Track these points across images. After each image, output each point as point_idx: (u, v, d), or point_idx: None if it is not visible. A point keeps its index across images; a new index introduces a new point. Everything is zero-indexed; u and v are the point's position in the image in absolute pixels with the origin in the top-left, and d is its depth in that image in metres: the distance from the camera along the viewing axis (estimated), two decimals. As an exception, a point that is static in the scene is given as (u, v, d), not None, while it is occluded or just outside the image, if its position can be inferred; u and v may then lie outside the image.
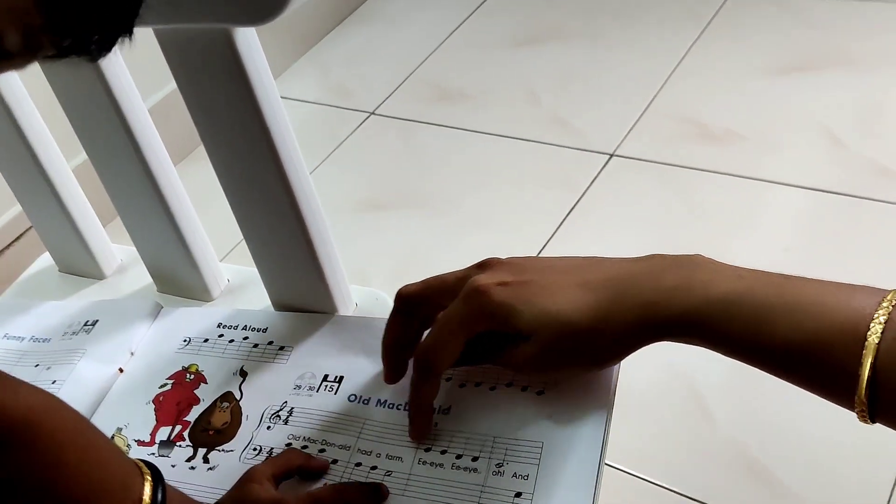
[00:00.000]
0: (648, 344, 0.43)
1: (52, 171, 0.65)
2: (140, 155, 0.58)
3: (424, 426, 0.49)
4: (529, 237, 1.23)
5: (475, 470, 0.48)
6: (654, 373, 1.00)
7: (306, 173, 0.55)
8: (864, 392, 0.37)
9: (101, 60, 0.54)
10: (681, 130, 1.36)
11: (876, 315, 0.37)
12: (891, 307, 0.37)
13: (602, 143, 1.37)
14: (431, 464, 0.49)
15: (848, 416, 0.39)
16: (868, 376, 0.36)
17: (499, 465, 0.48)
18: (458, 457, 0.49)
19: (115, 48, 0.34)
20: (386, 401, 0.53)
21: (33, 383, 0.61)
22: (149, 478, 0.43)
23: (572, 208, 1.27)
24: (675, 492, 0.91)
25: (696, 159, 1.30)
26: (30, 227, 1.31)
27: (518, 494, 0.46)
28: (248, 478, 0.48)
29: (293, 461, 0.49)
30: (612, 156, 1.35)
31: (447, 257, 1.25)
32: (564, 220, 1.26)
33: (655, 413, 0.98)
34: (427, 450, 0.50)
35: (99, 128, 0.58)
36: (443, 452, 0.49)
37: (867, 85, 1.35)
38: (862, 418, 0.38)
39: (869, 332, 0.36)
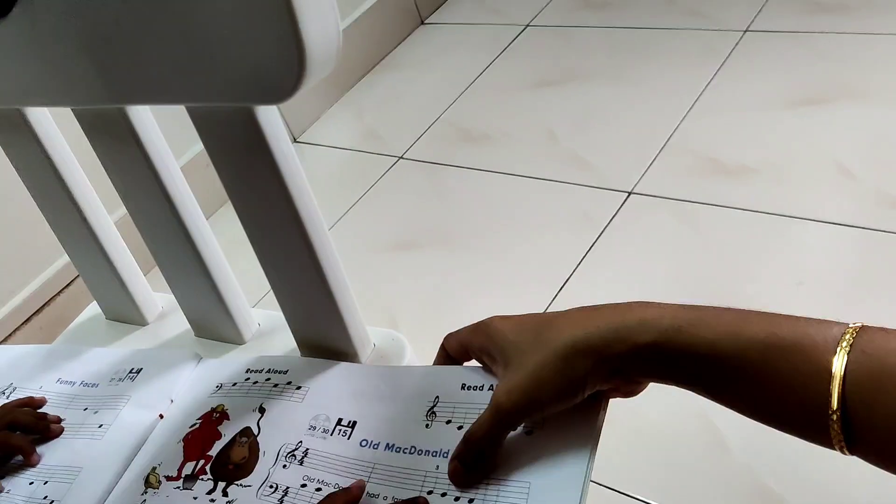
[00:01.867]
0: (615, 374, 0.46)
1: (97, 228, 0.72)
2: (175, 210, 0.64)
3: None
4: (550, 274, 1.28)
5: None
6: (669, 404, 1.03)
7: (325, 229, 0.60)
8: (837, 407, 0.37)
9: (136, 123, 0.60)
10: (698, 167, 1.40)
11: (845, 336, 0.38)
12: (858, 329, 0.39)
13: (620, 181, 1.42)
14: None
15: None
16: (839, 392, 0.37)
17: None
18: (457, 499, 0.51)
19: None
20: (394, 444, 0.56)
21: (82, 426, 0.68)
22: None
23: (592, 245, 1.31)
24: (691, 520, 0.94)
25: (712, 195, 1.34)
26: (77, 276, 1.40)
27: None
28: None
29: (336, 502, 0.52)
30: (630, 193, 1.39)
31: (471, 294, 1.31)
32: (584, 256, 1.30)
33: (670, 443, 1.01)
34: (429, 493, 0.52)
35: (136, 186, 0.64)
36: (443, 495, 0.51)
37: (880, 118, 1.38)
38: (838, 441, 0.39)
39: (838, 349, 0.38)
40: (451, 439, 0.54)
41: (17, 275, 1.37)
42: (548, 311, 1.22)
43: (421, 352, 0.68)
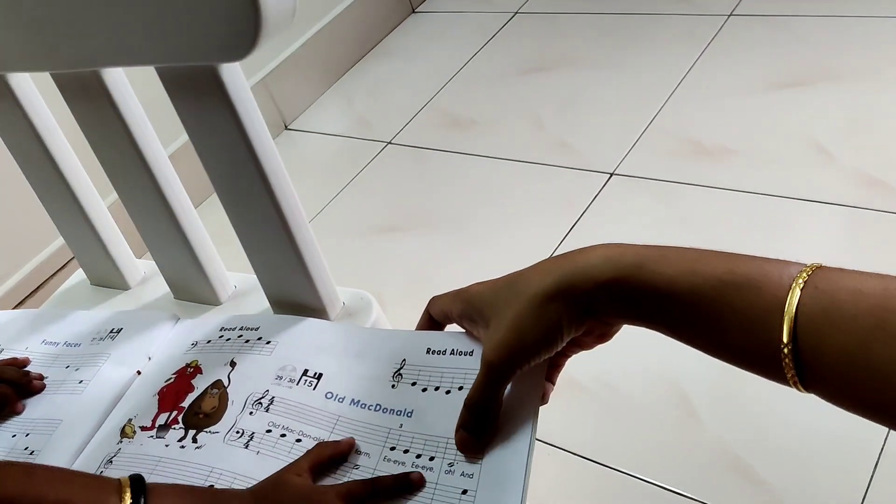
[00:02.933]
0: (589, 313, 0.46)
1: (81, 195, 0.75)
2: (150, 171, 0.67)
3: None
4: (532, 253, 1.29)
5: (431, 469, 0.52)
6: (642, 375, 1.06)
7: (292, 190, 0.63)
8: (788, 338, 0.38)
9: (110, 85, 0.62)
10: (679, 148, 1.42)
11: (801, 273, 0.39)
12: (815, 268, 0.40)
13: (602, 163, 1.44)
14: (395, 461, 0.54)
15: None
16: (791, 326, 0.38)
17: (450, 465, 0.52)
18: (418, 456, 0.53)
19: None
20: (359, 401, 0.58)
21: (63, 383, 0.71)
22: (128, 492, 0.47)
23: (573, 225, 1.34)
24: (661, 486, 0.96)
25: (693, 176, 1.36)
26: (71, 259, 1.44)
27: (464, 492, 0.50)
28: (286, 469, 0.52)
29: (324, 452, 0.53)
30: (611, 175, 1.42)
31: (456, 272, 1.33)
32: (566, 236, 1.32)
33: (643, 413, 1.03)
34: (392, 448, 0.54)
35: (114, 151, 0.67)
36: (405, 452, 0.54)
37: (856, 98, 1.40)
38: (790, 376, 0.39)
39: (792, 285, 0.38)
40: (415, 400, 0.56)
41: (14, 258, 1.40)
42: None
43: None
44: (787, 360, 0.39)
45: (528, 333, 0.47)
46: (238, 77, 0.56)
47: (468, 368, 0.56)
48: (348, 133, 1.78)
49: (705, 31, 1.67)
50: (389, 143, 1.70)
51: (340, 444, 0.55)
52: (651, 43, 1.71)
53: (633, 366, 1.05)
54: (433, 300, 0.58)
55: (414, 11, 2.13)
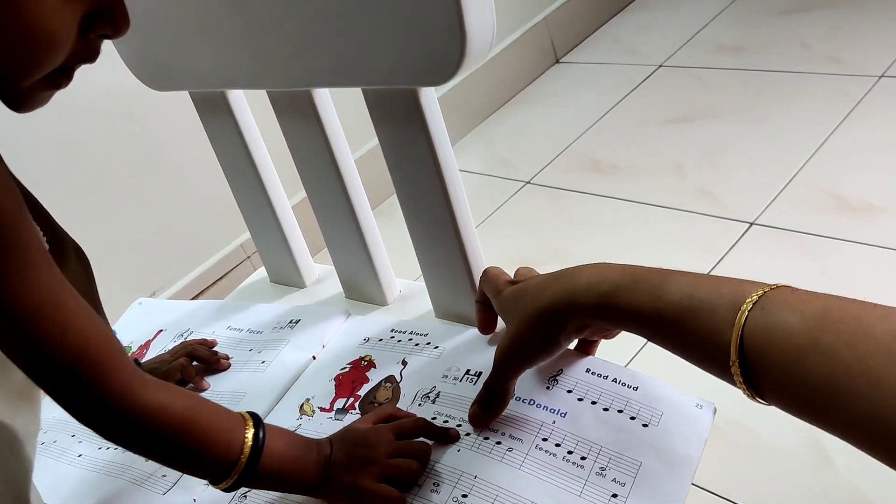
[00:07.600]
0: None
1: (275, 200, 0.85)
2: (342, 184, 0.76)
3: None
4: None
5: (581, 466, 0.58)
6: (776, 417, 1.06)
7: (466, 203, 0.70)
8: (735, 359, 0.43)
9: (319, 104, 0.72)
10: (823, 203, 1.42)
11: (751, 296, 0.44)
12: (767, 290, 0.44)
13: (743, 212, 1.46)
14: (546, 451, 0.59)
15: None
16: (737, 344, 0.43)
17: (602, 469, 0.57)
18: (570, 452, 0.59)
19: None
20: (516, 395, 0.64)
21: (247, 363, 0.80)
22: (251, 424, 0.56)
23: (710, 270, 1.36)
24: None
25: (836, 230, 1.35)
26: (242, 261, 1.59)
27: (614, 496, 0.55)
28: (355, 421, 0.64)
29: (384, 412, 0.65)
30: (752, 224, 1.43)
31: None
32: (702, 280, 1.34)
33: (777, 455, 1.04)
34: (544, 440, 0.60)
35: (314, 162, 0.77)
36: (557, 445, 0.59)
37: None
38: (744, 390, 0.44)
39: (742, 307, 0.44)
40: (570, 406, 0.62)
41: (195, 255, 1.57)
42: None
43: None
44: (737, 375, 0.44)
45: (528, 345, 0.58)
46: (433, 99, 0.64)
47: (633, 399, 0.61)
48: (488, 172, 1.86)
49: (855, 91, 1.66)
50: (528, 182, 1.77)
51: (400, 411, 0.65)
52: (797, 100, 1.71)
53: (766, 407, 1.05)
54: (488, 278, 0.66)
55: (558, 61, 2.22)
